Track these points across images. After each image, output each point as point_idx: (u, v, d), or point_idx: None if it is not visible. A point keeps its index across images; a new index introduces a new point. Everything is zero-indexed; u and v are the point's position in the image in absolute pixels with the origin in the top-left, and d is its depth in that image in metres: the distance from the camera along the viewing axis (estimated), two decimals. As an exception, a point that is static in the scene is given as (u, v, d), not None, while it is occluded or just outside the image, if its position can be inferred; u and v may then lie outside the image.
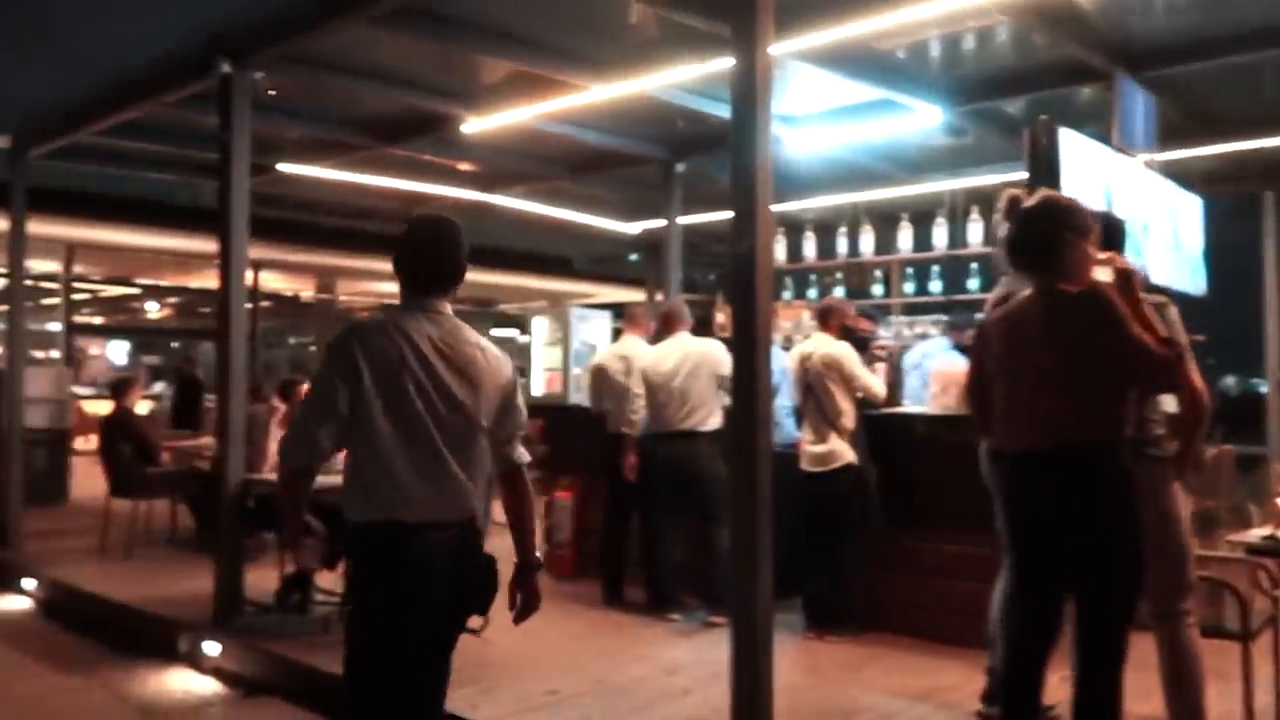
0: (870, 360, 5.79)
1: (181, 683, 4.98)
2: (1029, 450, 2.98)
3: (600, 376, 6.25)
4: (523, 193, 9.75)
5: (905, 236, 8.58)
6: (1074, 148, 4.66)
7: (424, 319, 2.77)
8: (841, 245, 8.86)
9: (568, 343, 11.00)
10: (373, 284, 18.38)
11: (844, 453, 5.13)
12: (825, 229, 9.08)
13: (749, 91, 3.46)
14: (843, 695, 4.32)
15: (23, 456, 8.05)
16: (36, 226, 8.43)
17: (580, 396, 9.54)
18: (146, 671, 5.12)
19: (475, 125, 7.04)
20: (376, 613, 2.66)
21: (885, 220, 8.79)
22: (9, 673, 5.20)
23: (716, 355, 5.60)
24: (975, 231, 7.95)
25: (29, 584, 6.84)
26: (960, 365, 5.59)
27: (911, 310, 8.71)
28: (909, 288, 8.80)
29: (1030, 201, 3.14)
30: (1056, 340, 2.92)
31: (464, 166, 9.00)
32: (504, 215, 10.70)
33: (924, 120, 6.61)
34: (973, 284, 8.20)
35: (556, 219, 10.68)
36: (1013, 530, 3.10)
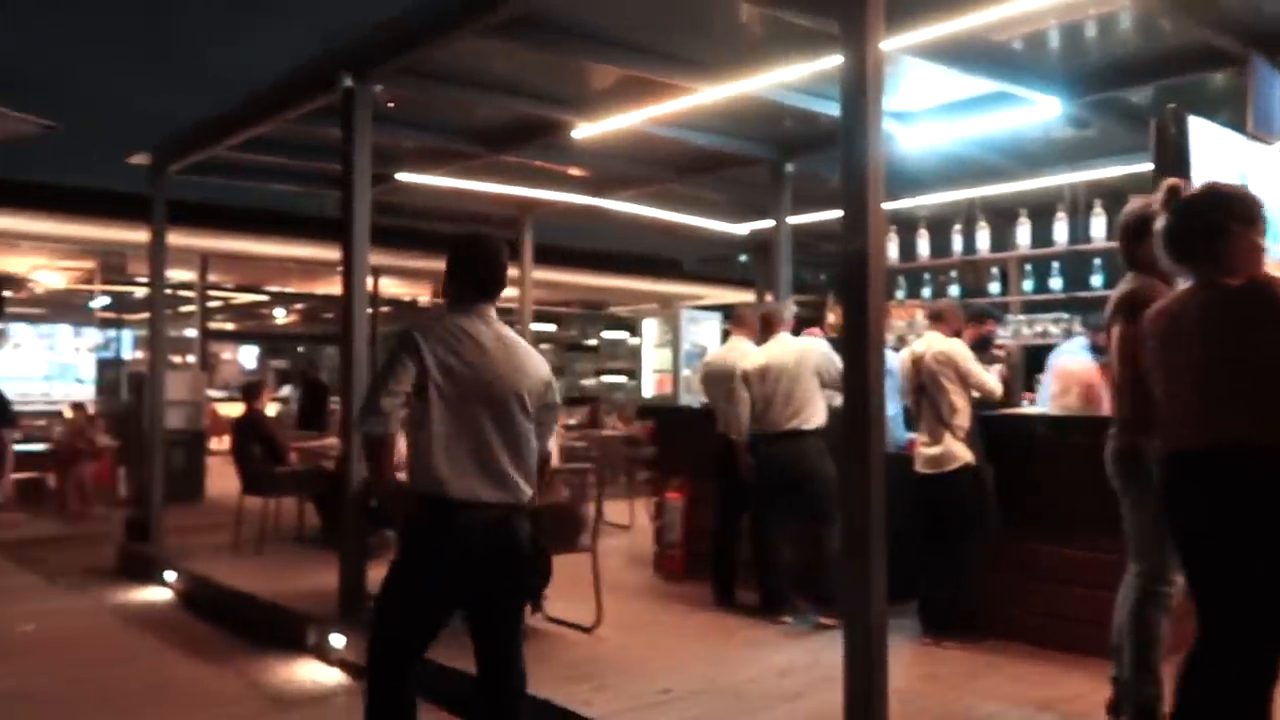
0: (990, 360, 5.67)
1: (309, 673, 5.19)
2: (1183, 450, 2.86)
3: (709, 378, 6.33)
4: (632, 196, 9.82)
5: (1024, 232, 8.33)
6: (1204, 136, 4.46)
7: (477, 320, 3.14)
8: (956, 243, 8.65)
9: (678, 344, 11.05)
10: (486, 288, 18.74)
11: (960, 453, 5.02)
12: (939, 226, 8.88)
13: (859, 89, 3.42)
14: (960, 703, 4.22)
15: (163, 456, 8.50)
16: (174, 238, 8.88)
17: (690, 398, 9.58)
18: (277, 661, 5.35)
19: (585, 130, 7.14)
20: (419, 572, 3.04)
21: (1002, 216, 8.55)
22: (152, 659, 5.51)
23: (818, 352, 5.62)
24: (1098, 226, 7.66)
25: (169, 576, 7.23)
26: (1085, 365, 5.43)
27: (1031, 308, 8.45)
28: (1028, 285, 8.54)
29: (1192, 190, 3.02)
30: (1215, 335, 2.80)
31: (574, 171, 9.12)
32: (614, 219, 10.80)
33: (1043, 112, 6.40)
34: (1095, 280, 7.90)
35: (666, 221, 10.72)
36: (1172, 535, 2.99)
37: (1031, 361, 8.06)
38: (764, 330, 5.97)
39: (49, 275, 15.93)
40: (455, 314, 3.15)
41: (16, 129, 3.09)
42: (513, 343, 3.17)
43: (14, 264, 14.64)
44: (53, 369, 15.39)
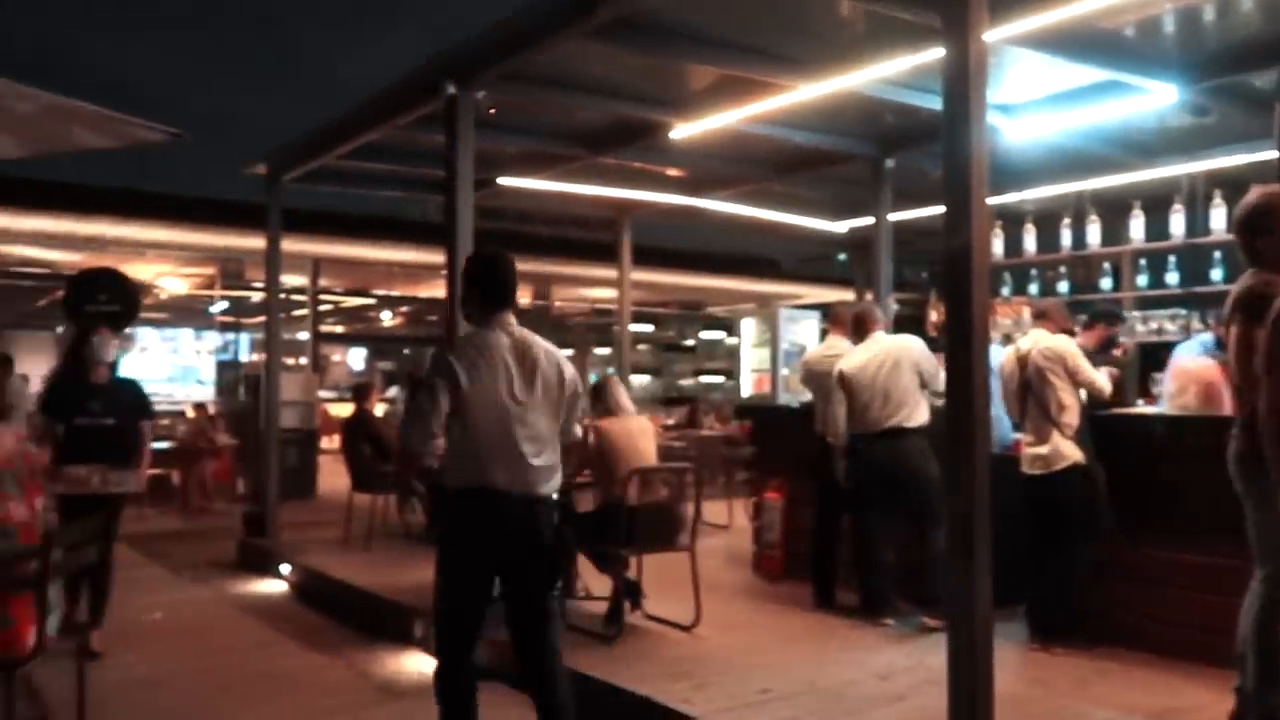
0: (1108, 361, 5.50)
1: (416, 665, 5.32)
2: None
3: (808, 378, 6.32)
4: (730, 195, 9.80)
5: (1137, 225, 8.05)
6: (1335, 121, 4.23)
7: (500, 332, 3.51)
8: (1065, 237, 8.41)
9: (776, 344, 10.98)
10: (586, 290, 18.95)
11: (1069, 452, 4.86)
12: (1047, 220, 8.65)
13: (961, 82, 3.36)
14: (1070, 711, 4.09)
15: (278, 455, 8.82)
16: (288, 244, 9.21)
17: (789, 397, 9.52)
18: (385, 653, 5.52)
19: (683, 131, 7.15)
20: (458, 552, 3.44)
21: (1114, 209, 8.28)
22: (268, 649, 5.74)
23: (915, 349, 5.55)
24: (1218, 217, 7.35)
25: (284, 569, 7.52)
26: (1203, 364, 5.20)
27: (1145, 304, 8.16)
28: (1142, 280, 8.25)
29: None
30: None
31: (672, 172, 9.15)
32: (711, 219, 10.79)
33: (1158, 100, 6.16)
34: (1215, 274, 7.58)
35: (764, 220, 10.67)
36: None
37: (1147, 360, 7.78)
38: (856, 331, 5.86)
39: (173, 281, 16.69)
40: (480, 328, 3.54)
41: (144, 136, 3.29)
42: (533, 347, 3.53)
43: (140, 271, 15.38)
44: (175, 371, 16.13)
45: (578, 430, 3.72)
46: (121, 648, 5.29)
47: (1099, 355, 5.32)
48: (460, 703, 3.50)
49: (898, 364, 5.52)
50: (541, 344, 3.58)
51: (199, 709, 4.63)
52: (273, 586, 7.42)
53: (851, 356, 5.75)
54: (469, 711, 3.52)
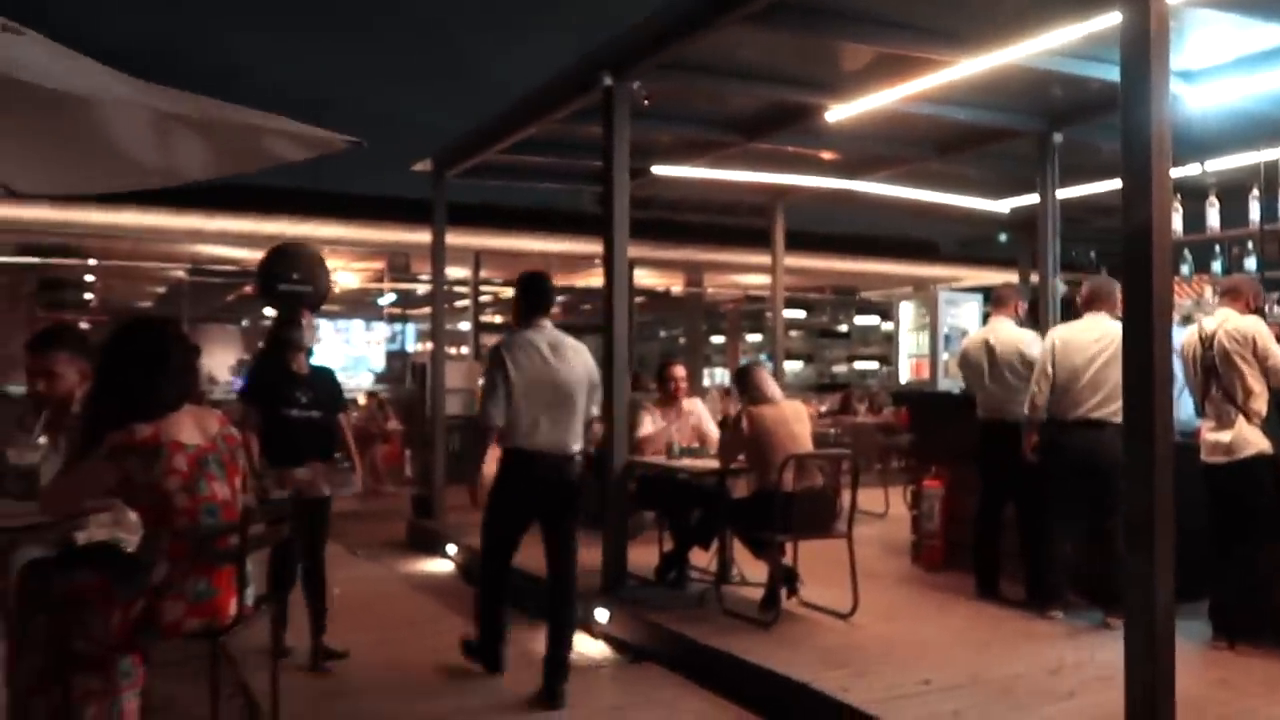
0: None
1: (576, 645, 5.44)
2: None
3: (963, 362, 6.15)
4: (886, 177, 9.59)
5: (1339, 196, 7.41)
6: None
7: (539, 332, 4.60)
8: (1253, 210, 7.83)
9: (935, 328, 10.68)
10: (737, 276, 18.90)
11: (1255, 440, 4.55)
12: (1233, 193, 8.06)
13: (1141, 48, 3.21)
14: (1260, 715, 3.86)
15: (444, 440, 9.18)
16: (451, 238, 9.56)
17: (949, 383, 9.25)
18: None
19: (839, 113, 7.04)
20: (505, 497, 4.61)
21: (1312, 179, 7.63)
22: (436, 624, 5.99)
23: None
24: None
25: (450, 549, 7.84)
26: None
27: (1348, 282, 7.50)
28: (1344, 256, 7.58)
29: None
30: None
31: (826, 155, 9.02)
32: (866, 201, 10.59)
33: (1363, 59, 5.67)
34: None
35: (921, 202, 10.39)
36: None
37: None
38: (1087, 304, 5.42)
39: (345, 276, 17.59)
40: (523, 329, 4.62)
41: (326, 146, 3.49)
42: (563, 345, 4.60)
43: (318, 266, 16.25)
44: (348, 360, 17.00)
45: (596, 411, 4.82)
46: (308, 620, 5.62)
47: None
48: (495, 610, 4.77)
49: (1118, 354, 5.20)
50: (570, 341, 4.64)
51: (379, 679, 4.90)
52: (440, 565, 7.75)
53: (1069, 330, 5.42)
54: (501, 616, 4.80)
